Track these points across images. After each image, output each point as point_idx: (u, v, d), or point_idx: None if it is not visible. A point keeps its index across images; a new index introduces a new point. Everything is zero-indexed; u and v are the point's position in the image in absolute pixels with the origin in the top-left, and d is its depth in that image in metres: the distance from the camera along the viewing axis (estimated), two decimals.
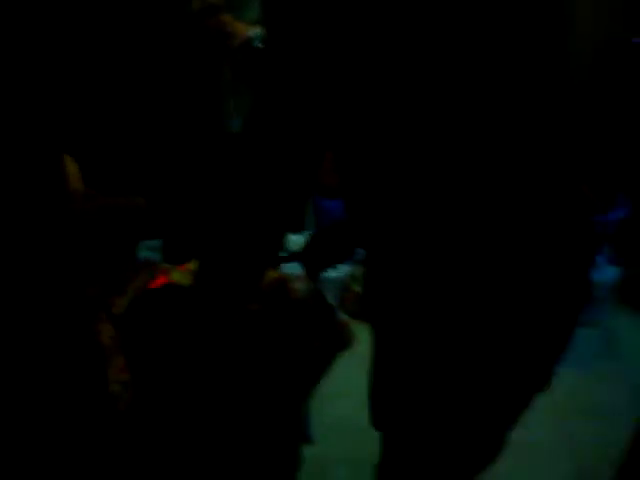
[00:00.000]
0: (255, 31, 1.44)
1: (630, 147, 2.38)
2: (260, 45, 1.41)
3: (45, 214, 1.03)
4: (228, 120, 1.61)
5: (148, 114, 1.69)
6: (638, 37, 2.31)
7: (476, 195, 0.90)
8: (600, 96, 2.27)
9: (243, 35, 1.44)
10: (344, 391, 1.95)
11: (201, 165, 1.66)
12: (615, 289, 2.52)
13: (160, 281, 1.36)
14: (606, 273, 2.42)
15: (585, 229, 1.00)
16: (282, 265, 1.98)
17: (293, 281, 1.36)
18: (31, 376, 1.03)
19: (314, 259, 2.15)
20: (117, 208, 1.37)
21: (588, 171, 2.23)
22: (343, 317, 1.51)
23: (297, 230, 2.33)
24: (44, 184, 1.02)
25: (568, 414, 2.21)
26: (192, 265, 1.35)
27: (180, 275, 1.35)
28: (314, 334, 1.33)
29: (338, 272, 2.45)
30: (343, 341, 1.36)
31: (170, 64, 1.62)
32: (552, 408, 2.21)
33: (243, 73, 1.49)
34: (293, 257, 2.08)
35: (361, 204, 0.99)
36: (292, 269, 2.12)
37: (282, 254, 2.05)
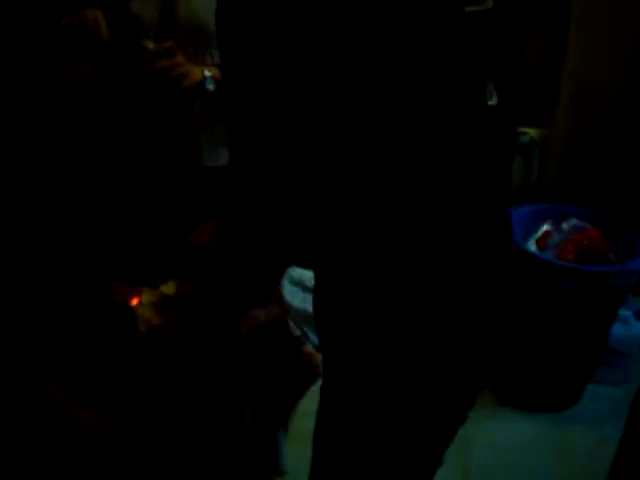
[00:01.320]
0: (208, 73, 1.46)
1: None
2: (212, 87, 1.46)
3: None
4: (199, 153, 1.64)
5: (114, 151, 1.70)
6: None
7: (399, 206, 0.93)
8: None
9: (195, 77, 1.45)
10: None
11: (165, 197, 1.65)
12: None
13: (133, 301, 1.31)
14: (632, 328, 2.28)
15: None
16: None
17: (253, 309, 1.28)
18: None
19: None
20: None
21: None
22: (309, 347, 1.42)
23: None
24: None
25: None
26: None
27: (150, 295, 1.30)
28: (274, 366, 1.25)
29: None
30: (309, 373, 1.26)
31: (131, 105, 1.63)
32: (567, 473, 2.07)
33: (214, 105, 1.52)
34: None
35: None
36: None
37: None
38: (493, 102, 2.39)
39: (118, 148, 1.68)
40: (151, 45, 1.47)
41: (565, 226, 2.00)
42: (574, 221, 2.01)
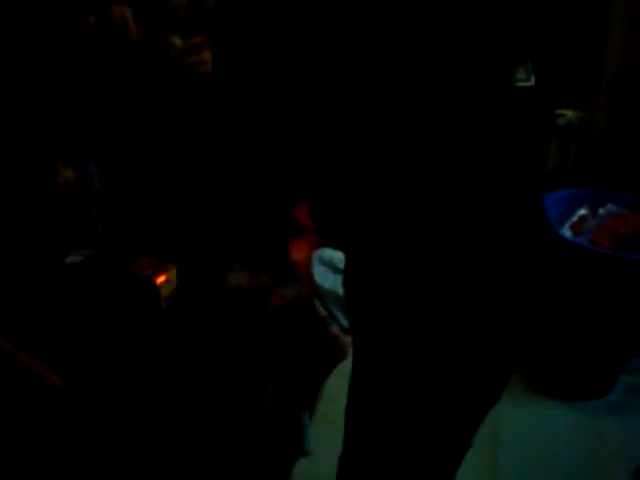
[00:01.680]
0: None
1: None
2: None
3: None
4: None
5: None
6: None
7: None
8: None
9: None
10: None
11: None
12: None
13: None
14: None
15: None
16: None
17: (281, 287, 1.28)
18: None
19: None
20: None
21: None
22: (336, 328, 1.41)
23: None
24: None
25: None
26: None
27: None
28: (300, 345, 1.24)
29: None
30: (334, 354, 1.26)
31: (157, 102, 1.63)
32: (600, 464, 2.03)
33: None
34: None
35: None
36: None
37: None
38: (530, 82, 2.34)
39: (143, 139, 1.68)
40: (178, 41, 1.46)
41: (602, 211, 1.95)
42: (610, 206, 1.96)
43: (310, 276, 1.60)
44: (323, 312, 1.51)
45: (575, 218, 2.03)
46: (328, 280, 2.34)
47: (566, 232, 2.03)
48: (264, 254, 1.45)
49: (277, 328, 1.30)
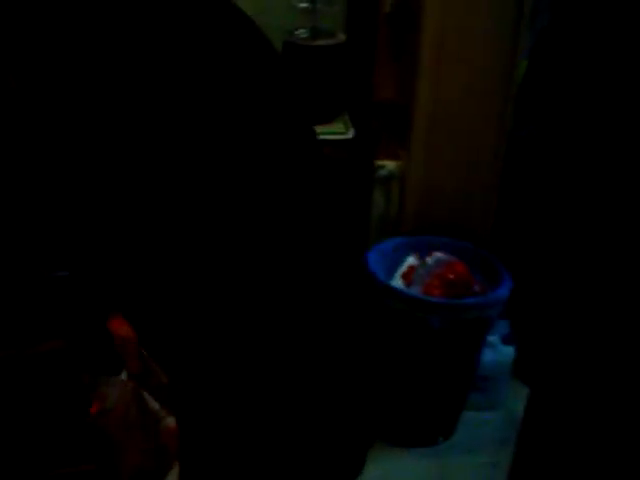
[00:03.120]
0: None
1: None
2: None
3: None
4: None
5: None
6: None
7: None
8: None
9: None
10: None
11: None
12: (511, 368, 2.41)
13: None
14: (501, 352, 2.31)
15: None
16: None
17: (104, 383, 1.16)
18: None
19: None
20: None
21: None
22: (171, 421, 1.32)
23: None
24: None
25: None
26: None
27: None
28: (132, 450, 1.12)
29: None
30: (169, 453, 1.16)
31: None
32: None
33: None
34: None
35: None
36: None
37: None
38: (350, 135, 2.37)
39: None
40: None
41: (429, 260, 1.99)
42: (438, 255, 2.00)
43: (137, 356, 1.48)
44: (155, 406, 1.39)
45: (405, 268, 2.05)
46: None
47: (397, 282, 2.04)
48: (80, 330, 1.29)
49: (101, 442, 1.16)
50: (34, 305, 1.10)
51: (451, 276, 1.94)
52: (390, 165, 2.27)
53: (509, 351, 2.36)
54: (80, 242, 0.85)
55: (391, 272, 2.09)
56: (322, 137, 2.22)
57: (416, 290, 1.99)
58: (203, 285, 0.85)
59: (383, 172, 2.26)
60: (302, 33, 2.31)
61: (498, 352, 2.32)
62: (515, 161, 2.28)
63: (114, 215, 0.81)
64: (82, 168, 0.79)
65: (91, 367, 1.30)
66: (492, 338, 2.29)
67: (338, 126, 2.34)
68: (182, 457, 1.14)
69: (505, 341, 2.34)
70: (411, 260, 2.07)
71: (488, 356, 2.27)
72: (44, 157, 0.78)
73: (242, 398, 0.92)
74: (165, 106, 0.78)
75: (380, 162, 2.28)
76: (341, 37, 2.34)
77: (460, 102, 2.10)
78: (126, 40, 0.76)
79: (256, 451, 0.96)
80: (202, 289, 0.85)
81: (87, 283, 1.01)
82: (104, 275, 0.89)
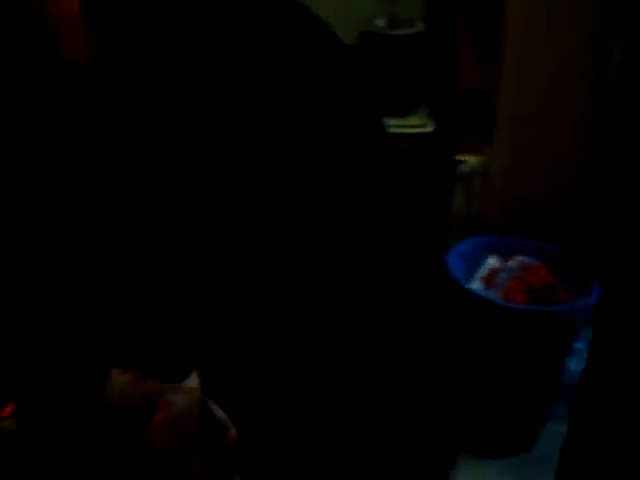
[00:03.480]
0: None
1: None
2: None
3: None
4: None
5: None
6: None
7: None
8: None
9: None
10: None
11: None
12: None
13: None
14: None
15: None
16: None
17: (170, 391, 1.12)
18: None
19: None
20: None
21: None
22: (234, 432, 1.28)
23: None
24: None
25: None
26: None
27: None
28: (192, 460, 1.09)
29: None
30: (230, 466, 1.11)
31: None
32: None
33: None
34: None
35: None
36: None
37: None
38: (429, 129, 2.27)
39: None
40: None
41: (512, 264, 1.89)
42: (521, 258, 1.89)
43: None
44: (221, 415, 1.36)
45: (485, 270, 1.96)
46: None
47: (476, 285, 1.95)
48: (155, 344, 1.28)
49: (161, 449, 1.13)
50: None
51: (534, 281, 1.83)
52: (472, 160, 2.17)
53: None
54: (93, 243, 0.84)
55: (470, 273, 2.00)
56: (399, 131, 2.14)
57: (495, 294, 1.89)
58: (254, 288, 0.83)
59: (464, 168, 2.16)
60: (380, 22, 2.23)
61: (579, 360, 2.16)
62: (609, 155, 2.14)
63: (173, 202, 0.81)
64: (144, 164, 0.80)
65: (156, 373, 1.27)
66: (578, 345, 2.17)
67: (417, 119, 2.26)
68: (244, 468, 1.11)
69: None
70: (492, 262, 1.96)
71: (574, 365, 2.15)
72: (46, 157, 0.79)
73: (313, 407, 0.88)
74: (230, 103, 0.79)
75: (461, 157, 2.19)
76: (420, 26, 2.26)
77: (549, 89, 1.97)
78: (197, 39, 0.78)
79: (333, 466, 0.92)
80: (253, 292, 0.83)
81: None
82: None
